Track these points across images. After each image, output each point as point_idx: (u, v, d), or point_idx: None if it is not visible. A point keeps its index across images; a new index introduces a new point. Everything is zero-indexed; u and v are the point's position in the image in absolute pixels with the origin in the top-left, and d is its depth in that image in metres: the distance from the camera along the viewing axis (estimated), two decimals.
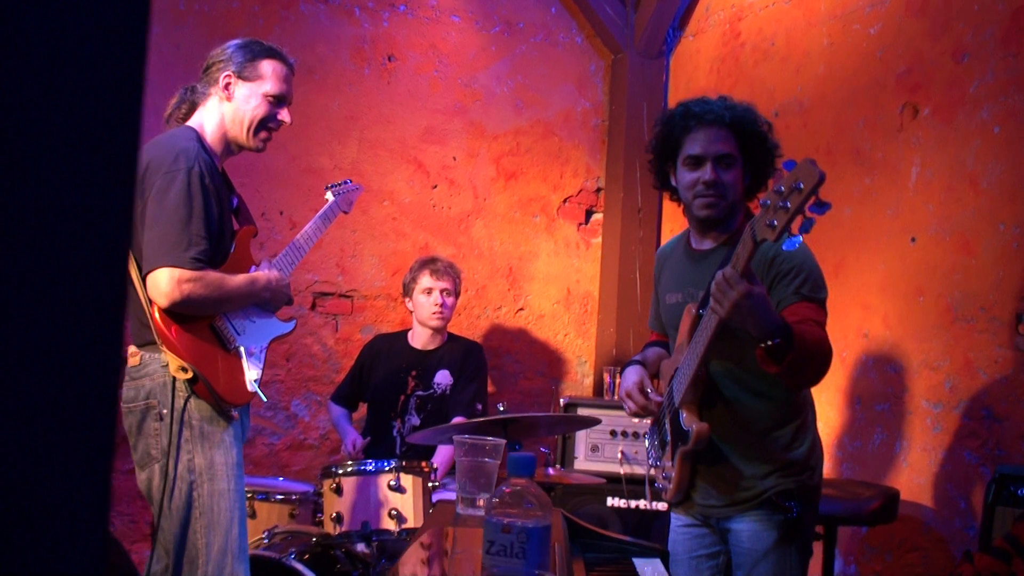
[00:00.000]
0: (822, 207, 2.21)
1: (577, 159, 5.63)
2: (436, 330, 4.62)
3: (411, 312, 4.69)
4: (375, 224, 5.24)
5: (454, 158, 5.42)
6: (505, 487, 1.42)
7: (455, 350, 4.65)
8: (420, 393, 4.54)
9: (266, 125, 3.12)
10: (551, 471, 3.92)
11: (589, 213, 5.69)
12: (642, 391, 2.84)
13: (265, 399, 3.14)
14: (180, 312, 2.84)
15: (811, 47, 4.57)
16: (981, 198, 3.67)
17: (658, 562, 2.49)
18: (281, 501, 4.04)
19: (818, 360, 2.56)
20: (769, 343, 2.42)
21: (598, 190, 5.66)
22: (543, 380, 5.51)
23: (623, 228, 5.47)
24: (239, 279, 2.99)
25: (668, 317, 2.99)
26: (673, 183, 2.89)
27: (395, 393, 4.56)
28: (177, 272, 2.79)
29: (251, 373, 2.99)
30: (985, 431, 3.58)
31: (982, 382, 3.61)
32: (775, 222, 2.22)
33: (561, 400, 4.69)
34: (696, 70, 5.42)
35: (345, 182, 3.78)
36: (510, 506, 1.39)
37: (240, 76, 3.07)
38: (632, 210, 5.48)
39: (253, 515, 3.97)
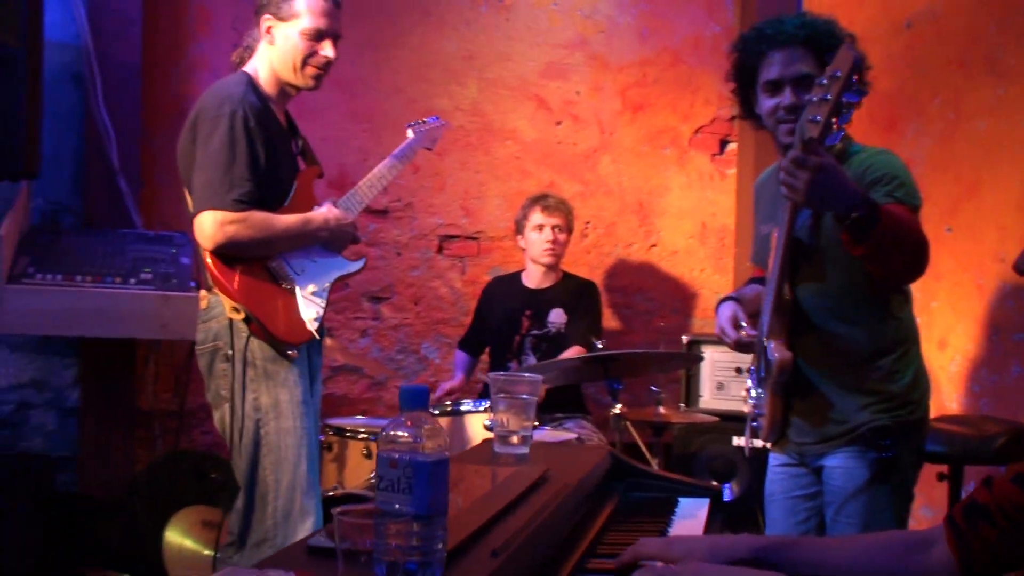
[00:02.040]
0: (859, 93, 2.17)
1: (708, 87, 5.39)
2: (549, 267, 4.58)
3: (523, 251, 4.64)
4: (498, 164, 5.18)
5: (577, 92, 5.29)
6: (395, 421, 1.34)
7: (569, 288, 4.60)
8: (535, 333, 4.50)
9: (307, 62, 3.08)
10: (662, 410, 3.81)
11: (724, 143, 5.45)
12: (735, 325, 2.73)
13: (319, 337, 3.12)
14: (228, 254, 2.88)
15: None
16: None
17: (706, 501, 2.35)
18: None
19: (909, 244, 2.39)
20: (854, 216, 2.27)
21: (732, 118, 5.40)
22: (678, 318, 5.35)
23: (758, 157, 5.20)
24: (290, 219, 3.00)
25: (765, 250, 2.84)
26: (757, 111, 2.76)
27: (511, 334, 4.54)
28: (220, 215, 2.85)
29: (309, 312, 3.00)
30: None
31: None
32: (818, 117, 2.19)
33: (684, 338, 4.55)
34: None
35: (429, 119, 3.75)
36: (400, 440, 1.32)
37: (278, 17, 3.06)
38: (767, 137, 5.18)
39: (369, 455, 4.02)
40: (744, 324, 2.72)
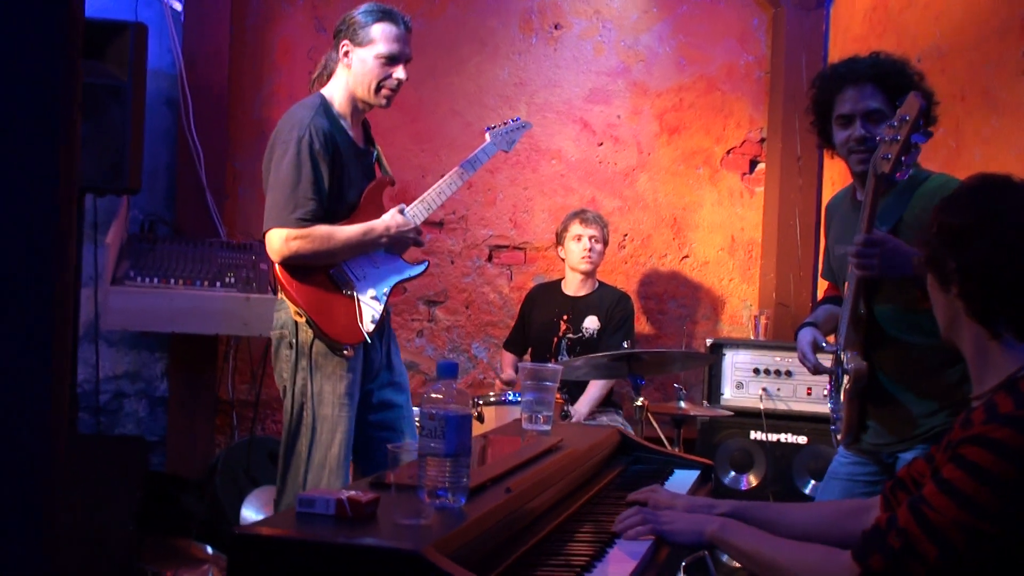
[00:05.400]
0: (924, 135, 2.51)
1: (740, 111, 5.85)
2: (586, 275, 5.06)
3: (563, 260, 5.13)
4: (544, 181, 5.68)
5: (618, 116, 5.77)
6: (434, 387, 1.85)
7: (604, 298, 5.08)
8: (571, 336, 4.99)
9: (382, 84, 3.48)
10: (683, 404, 4.28)
11: (753, 163, 5.90)
12: (815, 348, 3.01)
13: (369, 340, 3.46)
14: (294, 265, 3.35)
15: None
16: None
17: (696, 472, 2.82)
18: None
19: None
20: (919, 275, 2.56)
21: (762, 140, 5.85)
22: (708, 324, 5.81)
23: (783, 176, 5.66)
24: (350, 230, 3.41)
25: (839, 268, 3.14)
26: (833, 141, 3.05)
27: (550, 336, 5.03)
28: (285, 232, 3.30)
29: (367, 316, 3.43)
30: None
31: None
32: (889, 155, 2.52)
33: (708, 340, 5.00)
34: (852, 19, 5.51)
35: (510, 120, 4.03)
36: (437, 401, 1.82)
37: (355, 43, 3.45)
38: (792, 159, 5.66)
39: None
40: (824, 344, 3.01)
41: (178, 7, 4.98)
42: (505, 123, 4.02)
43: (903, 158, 2.52)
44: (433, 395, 1.83)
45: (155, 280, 4.40)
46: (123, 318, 4.42)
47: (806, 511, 2.31)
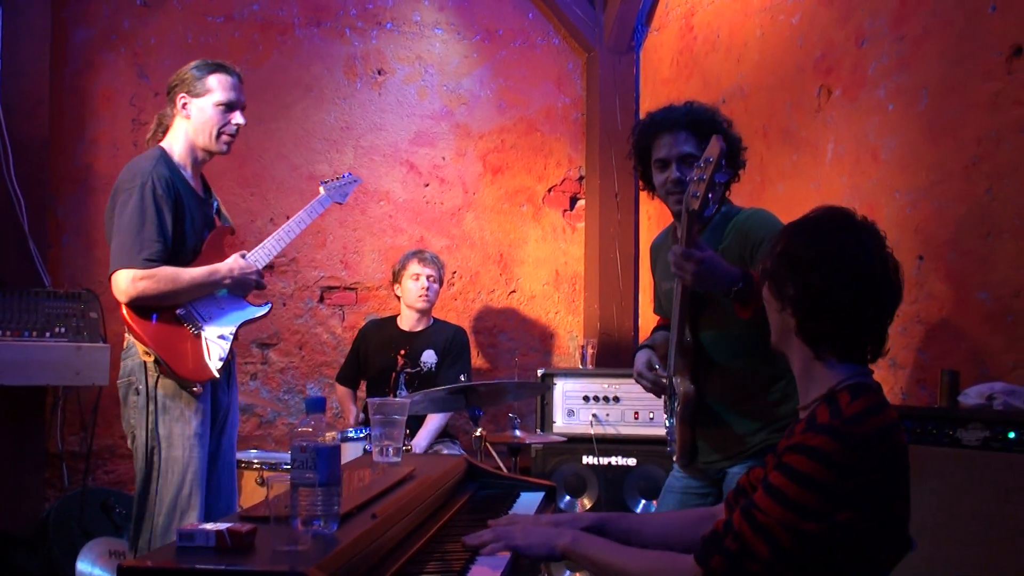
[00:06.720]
0: (726, 174, 2.76)
1: (560, 151, 6.13)
2: (422, 312, 5.21)
3: (399, 298, 5.26)
4: (373, 222, 5.81)
5: (443, 158, 5.96)
6: (304, 421, 1.95)
7: (440, 333, 5.24)
8: (409, 370, 5.11)
9: (222, 130, 3.63)
10: (518, 432, 4.43)
11: (574, 200, 6.18)
12: (650, 367, 3.21)
13: (217, 375, 3.53)
14: (141, 305, 3.40)
15: (748, 38, 5.00)
16: (881, 169, 4.07)
17: (541, 494, 2.98)
18: (287, 470, 4.61)
19: None
20: (734, 290, 2.72)
21: (581, 178, 6.15)
22: (537, 355, 6.03)
23: (603, 212, 5.96)
24: (196, 271, 3.49)
25: (666, 302, 3.35)
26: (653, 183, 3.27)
27: (388, 370, 5.14)
28: (131, 272, 3.35)
29: (214, 354, 3.51)
30: (892, 378, 3.99)
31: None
32: (697, 193, 2.68)
33: (539, 371, 5.20)
34: (660, 63, 5.87)
35: (343, 175, 4.28)
36: (306, 435, 1.93)
37: (192, 94, 3.60)
38: (610, 195, 5.96)
39: (262, 483, 4.55)
40: (657, 366, 3.20)
41: None
42: (337, 178, 4.26)
43: (710, 195, 2.70)
44: (302, 429, 1.94)
45: None
46: None
47: (661, 520, 2.49)
